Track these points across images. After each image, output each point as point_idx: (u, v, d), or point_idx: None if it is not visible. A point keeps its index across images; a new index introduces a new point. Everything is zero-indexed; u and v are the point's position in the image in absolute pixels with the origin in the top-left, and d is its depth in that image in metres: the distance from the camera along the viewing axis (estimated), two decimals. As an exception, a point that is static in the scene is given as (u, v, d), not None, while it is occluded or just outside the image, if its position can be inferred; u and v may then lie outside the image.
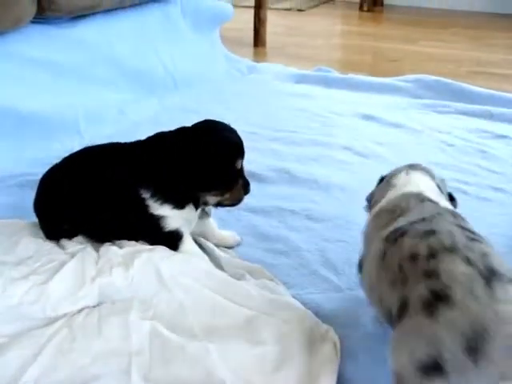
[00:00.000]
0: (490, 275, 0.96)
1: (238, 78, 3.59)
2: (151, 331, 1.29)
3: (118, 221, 1.58)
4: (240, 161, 1.55)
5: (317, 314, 1.39)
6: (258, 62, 4.00)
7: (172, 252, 1.54)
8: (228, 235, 1.74)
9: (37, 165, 1.95)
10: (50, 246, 1.59)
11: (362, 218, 1.74)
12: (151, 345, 1.25)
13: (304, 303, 1.42)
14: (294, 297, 1.45)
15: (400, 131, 2.71)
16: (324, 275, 1.58)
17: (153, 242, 1.56)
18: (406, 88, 3.31)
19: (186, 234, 1.59)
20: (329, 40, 5.16)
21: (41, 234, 1.66)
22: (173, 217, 1.54)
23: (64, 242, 1.61)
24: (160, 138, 1.59)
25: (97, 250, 1.54)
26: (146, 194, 1.53)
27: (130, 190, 1.53)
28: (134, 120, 2.77)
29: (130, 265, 1.45)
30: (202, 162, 1.50)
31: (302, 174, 2.19)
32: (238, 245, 1.72)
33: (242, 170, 1.57)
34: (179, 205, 1.54)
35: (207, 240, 1.69)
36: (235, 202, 1.60)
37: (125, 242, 1.57)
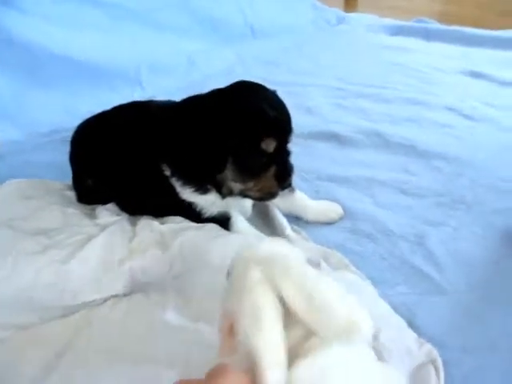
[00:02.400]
0: None
1: (325, 29, 3.25)
2: (194, 337, 0.97)
3: (146, 196, 1.30)
4: (271, 142, 1.13)
5: (410, 323, 1.05)
6: (348, 12, 3.64)
7: (225, 232, 1.21)
8: (327, 207, 1.40)
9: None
10: (79, 215, 1.30)
11: (472, 195, 1.39)
12: (189, 354, 0.94)
13: (393, 307, 1.07)
14: (382, 298, 1.09)
15: (514, 91, 2.28)
16: (422, 270, 1.21)
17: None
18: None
19: (235, 214, 1.27)
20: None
21: (74, 199, 1.39)
22: (203, 203, 1.23)
23: (99, 210, 1.32)
24: (186, 104, 1.24)
25: (134, 224, 1.24)
26: (167, 171, 1.22)
27: (153, 164, 1.24)
28: (206, 72, 2.51)
29: (171, 245, 1.13)
30: (216, 138, 1.13)
31: (396, 137, 1.81)
32: (341, 218, 1.39)
33: (280, 154, 1.16)
34: (200, 189, 1.22)
35: (301, 217, 1.37)
36: (264, 195, 1.21)
37: (170, 217, 1.27)
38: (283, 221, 1.31)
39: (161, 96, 2.20)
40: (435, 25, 3.17)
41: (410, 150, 1.73)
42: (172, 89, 2.25)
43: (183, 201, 1.23)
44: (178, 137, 1.18)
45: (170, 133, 1.20)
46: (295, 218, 1.37)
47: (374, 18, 3.37)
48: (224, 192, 1.21)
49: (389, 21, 3.31)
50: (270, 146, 1.12)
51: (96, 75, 2.20)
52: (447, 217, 1.39)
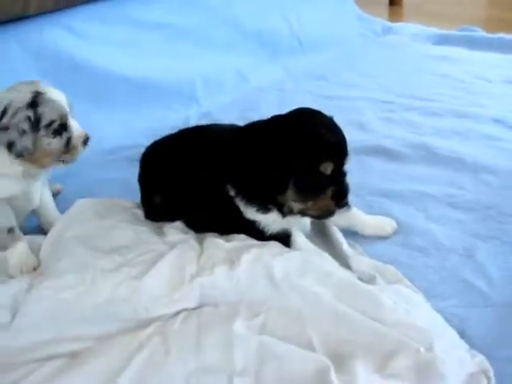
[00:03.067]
0: None
1: (371, 40, 3.32)
2: (260, 346, 1.05)
3: (212, 214, 1.40)
4: (329, 165, 1.23)
5: (462, 335, 1.11)
6: (393, 22, 3.67)
7: (286, 249, 1.31)
8: (383, 221, 1.48)
9: (150, 136, 1.76)
10: (149, 233, 1.41)
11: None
12: (259, 363, 1.02)
13: (445, 319, 1.14)
14: (434, 310, 1.17)
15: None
16: (472, 283, 1.28)
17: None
18: None
19: (295, 231, 1.36)
20: (474, -5, 4.62)
21: (142, 218, 1.50)
22: (265, 221, 1.33)
23: (166, 228, 1.43)
24: (250, 129, 1.35)
25: (200, 242, 1.34)
26: (232, 192, 1.32)
27: (219, 185, 1.34)
28: (257, 86, 2.59)
29: (237, 262, 1.23)
30: (278, 161, 1.23)
31: (444, 150, 1.87)
32: (395, 233, 1.46)
33: (337, 175, 1.26)
34: (262, 208, 1.31)
35: (357, 232, 1.46)
36: (322, 214, 1.30)
37: (234, 235, 1.37)
38: (340, 236, 1.39)
39: (216, 111, 2.32)
40: (479, 33, 3.20)
41: (458, 163, 1.78)
42: (225, 104, 2.35)
43: (247, 219, 1.33)
44: (242, 159, 1.29)
45: (235, 155, 1.31)
46: (351, 233, 1.45)
47: (419, 28, 3.41)
48: (285, 211, 1.30)
49: (433, 30, 3.35)
50: (327, 168, 1.22)
51: (153, 94, 2.32)
52: (496, 230, 1.45)
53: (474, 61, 2.83)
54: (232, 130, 1.43)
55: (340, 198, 1.26)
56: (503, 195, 1.59)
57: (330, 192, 1.25)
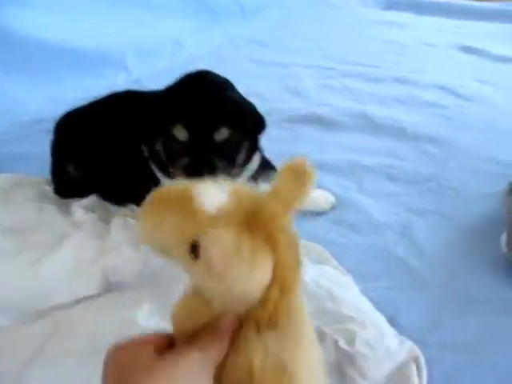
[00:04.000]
0: None
1: (315, 4, 3.19)
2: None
3: (130, 181, 1.26)
4: (181, 129, 1.05)
5: (392, 321, 1.00)
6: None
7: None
8: (319, 196, 1.35)
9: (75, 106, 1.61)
10: (54, 212, 1.26)
11: (460, 180, 1.34)
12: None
13: (375, 302, 1.02)
14: (362, 292, 1.05)
15: (509, 67, 2.23)
16: (408, 263, 1.16)
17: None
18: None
19: None
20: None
21: (51, 195, 1.37)
22: None
23: (75, 208, 1.29)
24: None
25: (108, 222, 1.21)
26: (146, 153, 1.18)
27: (137, 149, 1.20)
28: (194, 53, 2.44)
29: (145, 243, 1.10)
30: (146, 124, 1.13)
31: (384, 119, 1.77)
32: (332, 208, 1.34)
33: (195, 145, 1.06)
34: (166, 172, 1.14)
35: None
36: None
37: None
38: None
39: (146, 79, 2.18)
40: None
41: (398, 133, 1.69)
42: (158, 72, 2.21)
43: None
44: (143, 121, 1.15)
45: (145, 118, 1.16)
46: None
47: (368, -8, 3.30)
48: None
49: (381, -6, 3.24)
50: (180, 133, 1.05)
51: (78, 61, 2.16)
52: (435, 204, 1.35)
53: (420, 26, 2.78)
54: (152, 95, 1.28)
55: (190, 172, 1.04)
56: (444, 166, 1.50)
57: (181, 163, 1.07)
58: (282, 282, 0.54)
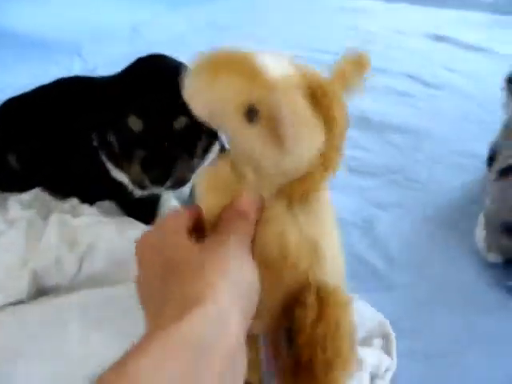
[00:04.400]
0: None
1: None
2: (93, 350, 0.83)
3: (78, 173, 1.16)
4: (135, 120, 0.95)
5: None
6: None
7: (137, 225, 1.07)
8: None
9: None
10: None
11: (427, 173, 1.25)
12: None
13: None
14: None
15: (480, 55, 2.16)
16: (371, 262, 1.08)
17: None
18: (489, 1, 2.74)
19: (167, 194, 1.13)
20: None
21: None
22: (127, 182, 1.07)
23: (11, 203, 1.17)
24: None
25: (45, 218, 1.09)
26: (96, 142, 1.06)
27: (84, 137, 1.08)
28: (151, 40, 2.31)
29: (81, 242, 0.99)
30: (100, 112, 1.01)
31: (349, 108, 1.65)
32: None
33: (146, 136, 0.96)
34: (118, 164, 1.05)
35: None
36: (134, 184, 1.01)
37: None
38: None
39: (102, 67, 2.06)
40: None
41: (363, 123, 1.59)
42: (114, 60, 2.09)
43: (113, 180, 1.07)
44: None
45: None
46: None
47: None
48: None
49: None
50: (135, 124, 0.95)
51: (32, 48, 2.06)
52: (400, 197, 1.27)
53: (388, 13, 2.70)
54: (102, 81, 1.16)
55: (149, 167, 0.95)
56: (410, 158, 1.41)
57: (138, 156, 0.96)
58: (327, 160, 0.52)
